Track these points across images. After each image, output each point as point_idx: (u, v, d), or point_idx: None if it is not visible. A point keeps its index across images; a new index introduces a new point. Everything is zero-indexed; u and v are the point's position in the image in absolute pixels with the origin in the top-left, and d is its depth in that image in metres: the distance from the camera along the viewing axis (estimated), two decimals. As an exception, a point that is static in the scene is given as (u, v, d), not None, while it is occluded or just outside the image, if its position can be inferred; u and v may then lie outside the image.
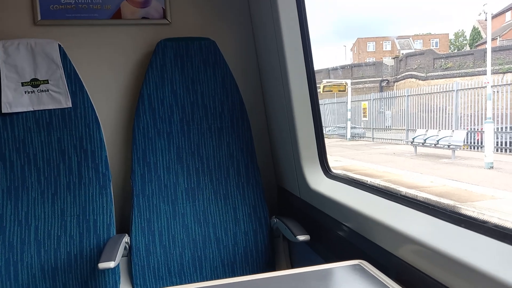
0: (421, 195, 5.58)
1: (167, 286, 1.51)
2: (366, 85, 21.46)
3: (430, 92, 12.40)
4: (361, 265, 0.91)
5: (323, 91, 15.68)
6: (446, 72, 18.06)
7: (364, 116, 15.41)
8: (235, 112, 1.68)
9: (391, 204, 1.07)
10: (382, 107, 14.85)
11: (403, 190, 5.87)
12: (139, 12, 1.69)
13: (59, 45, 1.53)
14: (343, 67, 23.57)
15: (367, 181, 1.35)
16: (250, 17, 1.79)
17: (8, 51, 1.48)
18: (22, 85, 1.49)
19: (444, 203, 5.07)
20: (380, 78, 21.62)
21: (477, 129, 10.24)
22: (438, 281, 0.76)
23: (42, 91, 1.51)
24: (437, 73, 18.41)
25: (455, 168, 8.05)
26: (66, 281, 1.44)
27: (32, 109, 1.50)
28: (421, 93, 12.96)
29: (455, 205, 5.11)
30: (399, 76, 20.95)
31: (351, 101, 15.75)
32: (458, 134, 9.98)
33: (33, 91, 1.50)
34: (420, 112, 12.77)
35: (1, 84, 1.47)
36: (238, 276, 1.56)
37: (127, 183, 1.66)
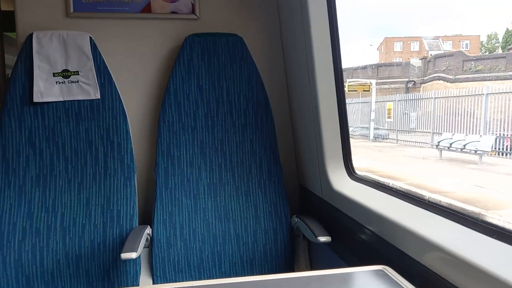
0: (445, 200, 5.44)
1: (186, 280, 1.53)
2: (392, 85, 21.05)
3: (458, 95, 12.05)
4: (385, 271, 0.89)
5: (347, 91, 15.47)
6: (475, 75, 17.51)
7: (389, 117, 15.13)
8: (260, 109, 1.67)
9: (418, 209, 1.04)
10: (407, 109, 14.54)
11: (426, 194, 5.74)
12: (168, 7, 1.71)
13: (90, 38, 1.55)
14: (368, 67, 23.19)
15: (389, 183, 1.32)
16: (278, 14, 1.78)
17: (42, 42, 1.52)
18: (54, 76, 1.53)
19: (469, 210, 4.93)
20: (407, 79, 21.17)
21: (507, 134, 9.90)
22: None
23: (72, 82, 1.54)
24: (466, 76, 17.87)
25: (481, 174, 7.82)
26: (89, 268, 1.47)
27: (62, 99, 1.54)
28: (449, 95, 12.61)
29: (480, 212, 4.96)
30: (426, 77, 20.44)
31: (376, 102, 15.48)
32: (486, 139, 9.67)
33: (64, 81, 1.54)
34: (447, 115, 12.43)
35: (34, 74, 1.51)
36: (257, 273, 1.56)
37: (150, 176, 1.68)
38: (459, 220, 0.90)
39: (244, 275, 1.55)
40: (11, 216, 1.46)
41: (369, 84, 16.26)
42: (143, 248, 1.49)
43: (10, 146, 1.50)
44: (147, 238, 1.49)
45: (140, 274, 1.51)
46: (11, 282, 1.42)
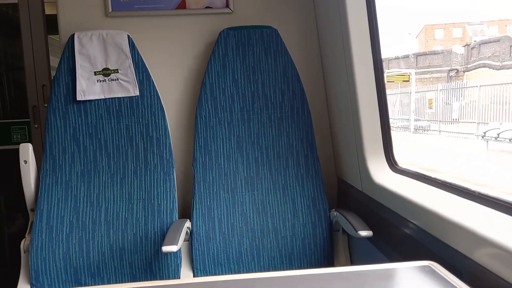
0: (491, 193, 5.17)
1: (226, 273, 1.54)
2: (433, 75, 20.23)
3: (505, 82, 11.40)
4: (432, 266, 0.85)
5: (386, 82, 15.03)
6: (525, 61, 16.46)
7: (430, 108, 14.56)
8: (296, 102, 1.65)
9: (466, 202, 0.99)
10: (449, 98, 13.92)
11: (470, 187, 5.48)
12: (203, 2, 1.71)
13: (128, 36, 1.59)
14: (406, 56, 22.40)
15: (433, 176, 1.26)
16: (313, 4, 1.74)
17: (83, 42, 1.57)
18: (95, 74, 1.58)
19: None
20: (449, 68, 20.25)
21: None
22: None
23: (112, 80, 1.58)
24: (514, 62, 16.84)
25: (532, 166, 7.37)
26: (132, 260, 1.52)
27: (104, 97, 1.58)
28: (495, 83, 11.96)
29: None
30: (470, 65, 19.46)
31: (415, 92, 14.94)
32: (538, 128, 9.08)
33: (104, 80, 1.58)
34: (493, 104, 11.80)
35: (76, 73, 1.56)
36: (295, 267, 1.55)
37: (189, 170, 1.70)
38: None
39: (283, 269, 1.54)
40: (59, 211, 1.52)
41: (408, 74, 15.72)
42: (183, 241, 1.52)
43: (56, 143, 1.56)
44: (186, 232, 1.52)
45: (181, 267, 1.54)
46: (60, 273, 1.48)
